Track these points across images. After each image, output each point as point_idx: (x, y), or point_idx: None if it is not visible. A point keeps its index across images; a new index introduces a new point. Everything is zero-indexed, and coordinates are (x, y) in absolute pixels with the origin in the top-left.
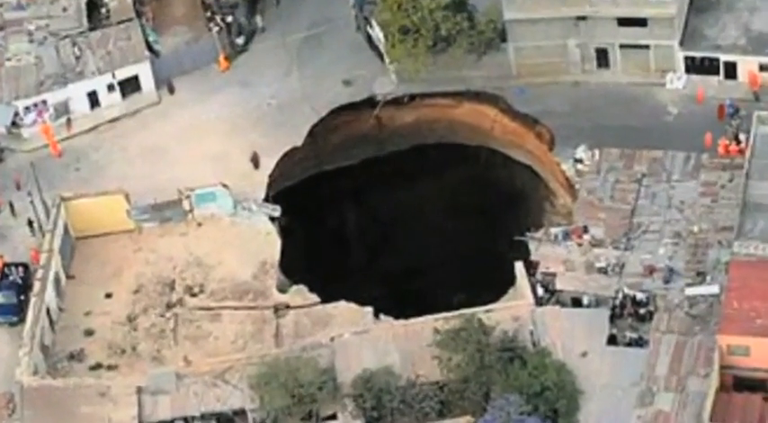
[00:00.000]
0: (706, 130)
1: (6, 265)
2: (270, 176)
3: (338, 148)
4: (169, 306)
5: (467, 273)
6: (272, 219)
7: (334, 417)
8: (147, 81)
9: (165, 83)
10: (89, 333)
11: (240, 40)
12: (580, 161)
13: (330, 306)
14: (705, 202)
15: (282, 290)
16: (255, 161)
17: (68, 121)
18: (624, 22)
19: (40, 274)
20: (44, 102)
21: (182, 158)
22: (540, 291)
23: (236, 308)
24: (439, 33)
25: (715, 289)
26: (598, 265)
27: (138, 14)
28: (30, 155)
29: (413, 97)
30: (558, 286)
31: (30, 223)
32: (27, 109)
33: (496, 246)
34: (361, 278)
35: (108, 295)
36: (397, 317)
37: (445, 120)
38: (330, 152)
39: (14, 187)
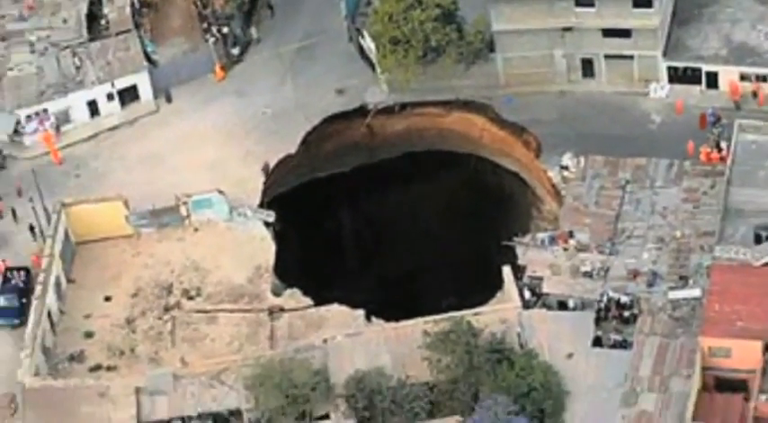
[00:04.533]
0: (688, 139)
1: (8, 269)
2: (264, 183)
3: (331, 156)
4: (167, 309)
5: (456, 277)
6: (267, 224)
7: (326, 417)
8: (145, 90)
9: (162, 92)
10: (89, 335)
11: (236, 51)
12: (566, 168)
13: (323, 309)
14: (687, 208)
15: (277, 293)
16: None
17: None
18: (609, 33)
19: (41, 278)
20: (45, 110)
21: (179, 166)
22: (527, 294)
23: (231, 311)
24: (429, 44)
25: (697, 292)
26: (583, 269)
27: (137, 26)
28: (31, 162)
29: (403, 106)
30: (545, 290)
31: (31, 229)
32: (29, 118)
33: (485, 250)
34: (354, 282)
35: (107, 298)
36: (388, 320)
37: (435, 128)
38: (323, 159)
39: (16, 194)
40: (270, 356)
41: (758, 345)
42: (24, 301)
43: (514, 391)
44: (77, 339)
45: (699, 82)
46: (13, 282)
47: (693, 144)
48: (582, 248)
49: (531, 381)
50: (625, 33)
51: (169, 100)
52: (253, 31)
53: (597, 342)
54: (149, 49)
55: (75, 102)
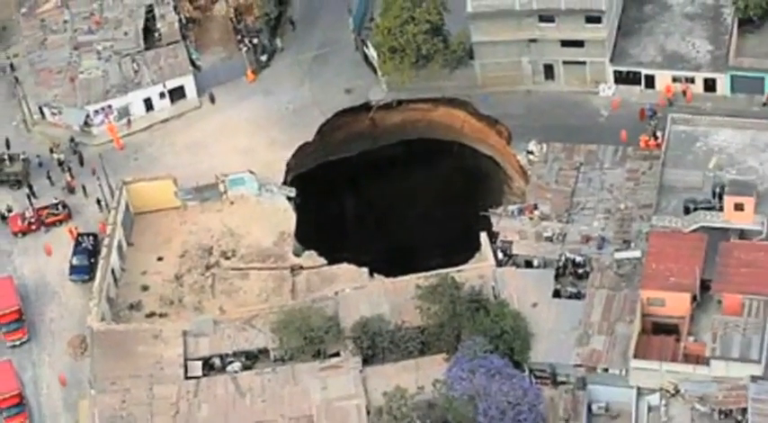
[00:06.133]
0: (631, 130)
1: (80, 234)
2: (287, 165)
3: (341, 143)
4: (208, 267)
5: (442, 241)
6: (289, 198)
7: (337, 354)
8: (190, 90)
9: (204, 91)
10: (145, 288)
11: (264, 58)
12: (531, 153)
13: (335, 267)
14: (630, 185)
15: (297, 254)
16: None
17: (128, 121)
18: (566, 43)
19: (106, 242)
20: (110, 106)
21: (218, 151)
22: (500, 255)
23: (260, 268)
24: (420, 52)
25: (638, 253)
26: (545, 234)
27: (184, 37)
28: (98, 148)
29: (400, 102)
30: (514, 251)
31: (98, 202)
32: (96, 112)
33: (466, 219)
34: (359, 245)
35: (160, 259)
36: (387, 275)
37: (425, 120)
38: (334, 146)
39: (90, 173)
40: (291, 305)
41: (687, 296)
42: (93, 260)
43: (490, 334)
44: (135, 292)
45: (639, 83)
46: (83, 245)
47: (627, 133)
48: (544, 218)
49: (503, 325)
50: (579, 43)
51: (213, 101)
52: (278, 41)
53: (556, 294)
54: (194, 57)
55: (134, 99)
